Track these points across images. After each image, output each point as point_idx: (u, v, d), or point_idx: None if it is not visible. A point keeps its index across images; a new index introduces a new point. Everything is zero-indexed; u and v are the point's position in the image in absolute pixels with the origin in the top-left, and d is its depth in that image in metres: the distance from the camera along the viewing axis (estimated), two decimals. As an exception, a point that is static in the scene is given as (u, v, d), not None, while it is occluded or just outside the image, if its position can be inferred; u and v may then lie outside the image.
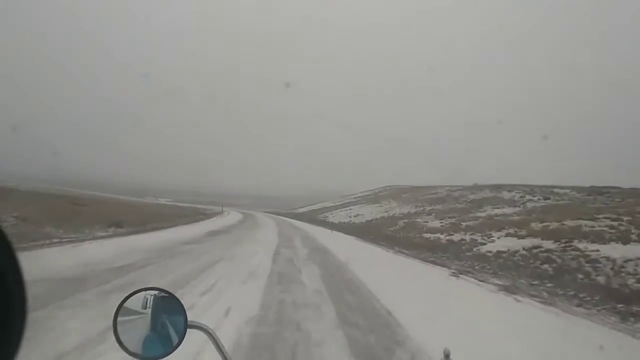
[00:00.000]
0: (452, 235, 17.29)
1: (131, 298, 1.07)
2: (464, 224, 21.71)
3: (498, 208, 26.18)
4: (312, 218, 42.40)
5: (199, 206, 58.36)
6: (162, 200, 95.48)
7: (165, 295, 1.11)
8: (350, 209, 44.05)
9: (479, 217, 23.24)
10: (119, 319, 1.04)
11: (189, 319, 1.09)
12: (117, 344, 0.99)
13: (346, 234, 22.76)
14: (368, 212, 38.06)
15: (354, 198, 60.95)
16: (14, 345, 0.55)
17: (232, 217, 34.65)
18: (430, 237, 17.68)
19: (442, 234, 18.56)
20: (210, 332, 1.13)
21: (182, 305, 1.10)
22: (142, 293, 1.08)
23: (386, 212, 35.67)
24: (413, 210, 32.08)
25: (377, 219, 32.39)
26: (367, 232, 24.11)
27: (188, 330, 1.09)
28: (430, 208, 31.42)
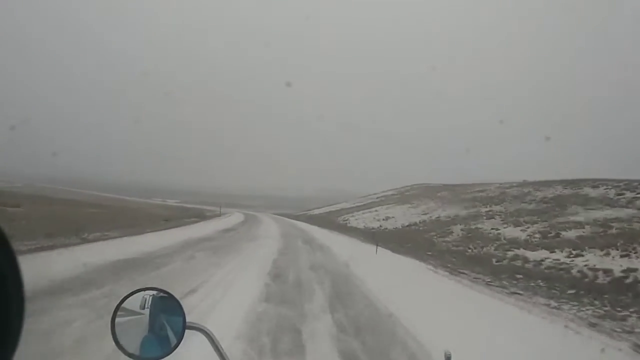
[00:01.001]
0: (583, 257, 10.21)
1: (129, 298, 1.03)
2: (564, 233, 14.57)
3: (593, 209, 18.80)
4: (332, 222, 35.63)
5: (205, 207, 53.07)
6: (170, 202, 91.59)
7: (164, 295, 1.06)
8: (376, 211, 37.08)
9: (580, 222, 15.99)
10: (116, 319, 0.99)
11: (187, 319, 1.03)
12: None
13: (393, 251, 15.55)
14: (400, 214, 31.03)
15: (377, 198, 53.86)
16: (11, 347, 0.53)
17: (224, 222, 27.85)
18: (546, 262, 10.56)
19: (551, 251, 11.50)
20: (209, 333, 1.09)
21: (180, 306, 1.05)
22: (141, 293, 1.04)
23: (425, 214, 28.57)
24: (463, 212, 24.92)
25: (416, 224, 25.38)
26: (416, 245, 17.14)
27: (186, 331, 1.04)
28: (487, 209, 24.20)
